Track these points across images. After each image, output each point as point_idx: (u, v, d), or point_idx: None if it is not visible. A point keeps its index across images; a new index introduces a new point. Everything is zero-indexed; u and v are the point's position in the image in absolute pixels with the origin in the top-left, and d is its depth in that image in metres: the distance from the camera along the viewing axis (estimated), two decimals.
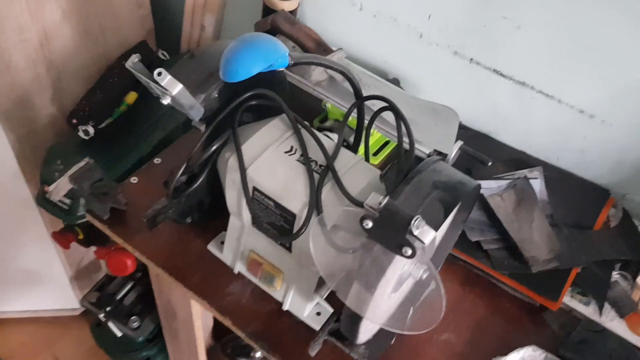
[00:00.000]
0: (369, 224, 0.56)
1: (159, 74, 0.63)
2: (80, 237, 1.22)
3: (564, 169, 1.06)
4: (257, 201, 0.73)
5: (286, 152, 0.73)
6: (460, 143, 0.98)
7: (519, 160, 1.04)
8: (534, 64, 0.99)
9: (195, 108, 0.69)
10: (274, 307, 0.84)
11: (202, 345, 1.27)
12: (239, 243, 0.83)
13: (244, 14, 1.26)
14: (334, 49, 1.06)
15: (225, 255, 0.87)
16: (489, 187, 0.97)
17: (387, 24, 1.09)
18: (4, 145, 1.19)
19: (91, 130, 1.11)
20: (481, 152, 0.98)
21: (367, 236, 0.57)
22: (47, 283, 1.66)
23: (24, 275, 1.64)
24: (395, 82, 1.12)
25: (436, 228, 0.55)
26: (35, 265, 1.59)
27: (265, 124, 0.77)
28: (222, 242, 0.87)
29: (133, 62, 0.66)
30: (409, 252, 0.54)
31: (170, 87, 0.63)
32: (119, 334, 1.51)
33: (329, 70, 1.03)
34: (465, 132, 1.08)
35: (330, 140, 0.77)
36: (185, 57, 0.73)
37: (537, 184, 0.97)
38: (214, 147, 0.73)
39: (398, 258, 0.56)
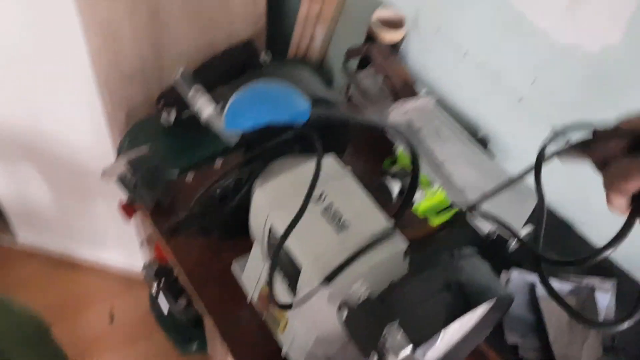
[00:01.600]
0: (344, 313, 0.50)
1: (195, 92, 0.61)
2: None
3: None
4: (273, 242, 0.69)
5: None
6: (530, 228, 0.87)
7: (596, 264, 0.91)
8: None
9: (228, 133, 0.66)
10: (275, 348, 0.80)
11: None
12: (258, 272, 0.80)
13: (353, 33, 1.22)
14: (421, 92, 0.99)
15: (245, 279, 0.85)
16: None
17: (489, 78, 1.00)
18: (99, 110, 1.25)
19: (172, 117, 1.14)
20: (558, 243, 0.87)
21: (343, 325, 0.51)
22: (121, 240, 1.75)
23: (103, 227, 1.74)
24: (484, 141, 1.03)
25: (419, 340, 0.48)
26: (114, 221, 1.68)
27: (305, 163, 0.72)
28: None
29: (178, 73, 0.64)
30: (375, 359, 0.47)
31: (202, 109, 0.61)
32: (165, 309, 1.56)
33: (409, 113, 0.97)
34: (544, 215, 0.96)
35: (367, 198, 0.71)
36: (242, 78, 0.71)
37: (606, 299, 0.84)
38: (229, 179, 0.70)
39: None
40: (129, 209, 1.31)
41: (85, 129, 1.36)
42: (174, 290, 1.57)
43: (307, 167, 0.72)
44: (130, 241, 1.74)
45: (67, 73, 1.21)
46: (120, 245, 1.80)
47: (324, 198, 0.69)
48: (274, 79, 0.67)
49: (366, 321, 0.48)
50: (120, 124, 1.30)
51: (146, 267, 1.63)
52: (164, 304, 1.55)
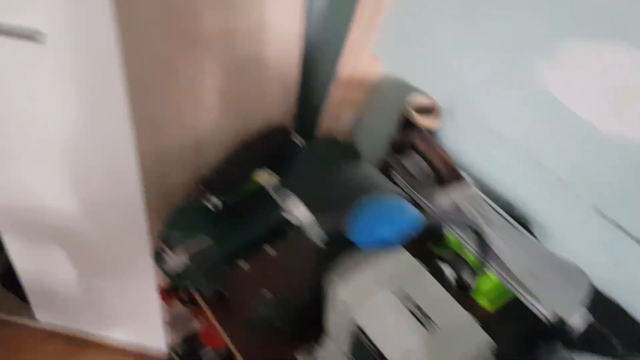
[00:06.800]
0: None
1: (291, 201, 0.64)
2: (185, 299, 1.27)
3: None
4: (358, 339, 0.70)
5: (393, 292, 0.71)
6: (584, 311, 0.90)
7: None
8: None
9: (316, 230, 0.69)
10: None
11: None
12: None
13: (382, 118, 1.27)
14: (464, 175, 1.04)
15: None
16: None
17: (525, 163, 1.04)
18: (137, 193, 1.27)
19: (218, 202, 1.16)
20: (608, 325, 0.90)
21: None
22: (142, 319, 1.73)
23: (123, 306, 1.72)
24: (525, 223, 1.06)
25: None
26: (136, 300, 1.66)
27: (381, 256, 0.75)
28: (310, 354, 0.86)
29: (272, 182, 0.67)
30: None
31: (298, 217, 0.64)
32: None
33: (455, 198, 1.01)
34: (595, 296, 0.99)
35: (444, 291, 0.73)
36: (311, 176, 0.74)
37: None
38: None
39: None
40: (170, 296, 1.32)
41: (119, 214, 1.37)
42: None
43: (385, 261, 0.75)
44: (150, 321, 1.72)
45: (110, 160, 1.24)
46: (139, 325, 1.78)
47: (405, 293, 0.71)
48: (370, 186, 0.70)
49: None
50: (157, 207, 1.32)
51: (172, 348, 1.61)
52: None
